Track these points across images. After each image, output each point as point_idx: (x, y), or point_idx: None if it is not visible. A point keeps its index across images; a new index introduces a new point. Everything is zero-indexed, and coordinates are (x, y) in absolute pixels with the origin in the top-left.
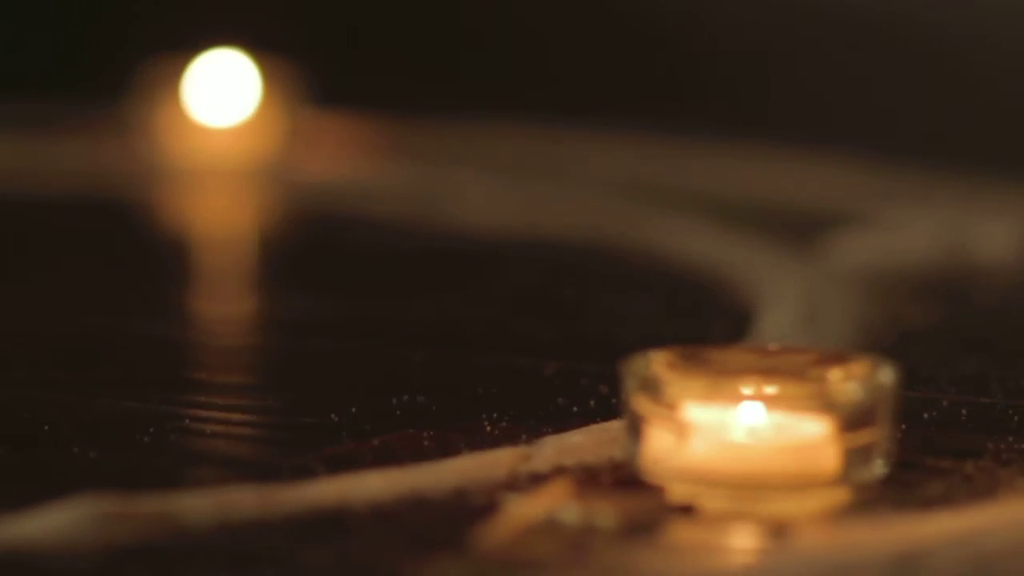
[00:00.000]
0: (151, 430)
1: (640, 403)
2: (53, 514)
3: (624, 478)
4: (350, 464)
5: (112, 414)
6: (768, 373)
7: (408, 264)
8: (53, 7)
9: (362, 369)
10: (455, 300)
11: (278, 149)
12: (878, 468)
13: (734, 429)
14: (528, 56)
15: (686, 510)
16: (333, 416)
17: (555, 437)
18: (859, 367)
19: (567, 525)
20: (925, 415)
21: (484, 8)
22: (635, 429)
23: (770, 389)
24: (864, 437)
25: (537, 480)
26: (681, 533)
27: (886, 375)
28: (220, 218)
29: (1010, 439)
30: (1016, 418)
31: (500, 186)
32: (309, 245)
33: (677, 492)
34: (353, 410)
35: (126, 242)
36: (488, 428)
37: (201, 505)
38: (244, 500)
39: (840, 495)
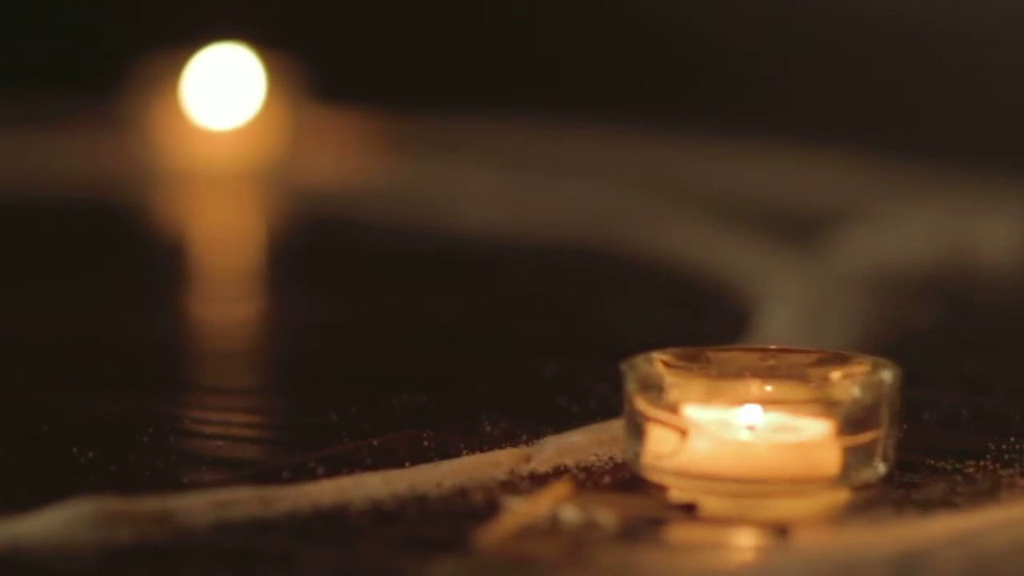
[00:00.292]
0: (150, 431)
1: (640, 403)
2: (53, 514)
3: (624, 478)
4: (350, 464)
5: (112, 414)
6: (769, 373)
7: (408, 264)
8: (51, 3)
9: (362, 369)
10: (455, 300)
11: (281, 148)
12: (879, 469)
13: (735, 429)
14: (531, 55)
15: (686, 510)
16: (333, 416)
17: (555, 437)
18: (860, 367)
19: (567, 525)
20: (926, 415)
21: (488, 6)
22: (635, 429)
23: (771, 389)
24: (865, 438)
25: (537, 480)
26: (681, 533)
27: (887, 375)
28: (220, 219)
29: (1011, 439)
30: (1017, 418)
31: (500, 186)
32: (309, 246)
33: (677, 492)
34: (353, 410)
35: (126, 243)
36: (488, 428)
37: (201, 505)
38: (244, 500)
39: (841, 496)
